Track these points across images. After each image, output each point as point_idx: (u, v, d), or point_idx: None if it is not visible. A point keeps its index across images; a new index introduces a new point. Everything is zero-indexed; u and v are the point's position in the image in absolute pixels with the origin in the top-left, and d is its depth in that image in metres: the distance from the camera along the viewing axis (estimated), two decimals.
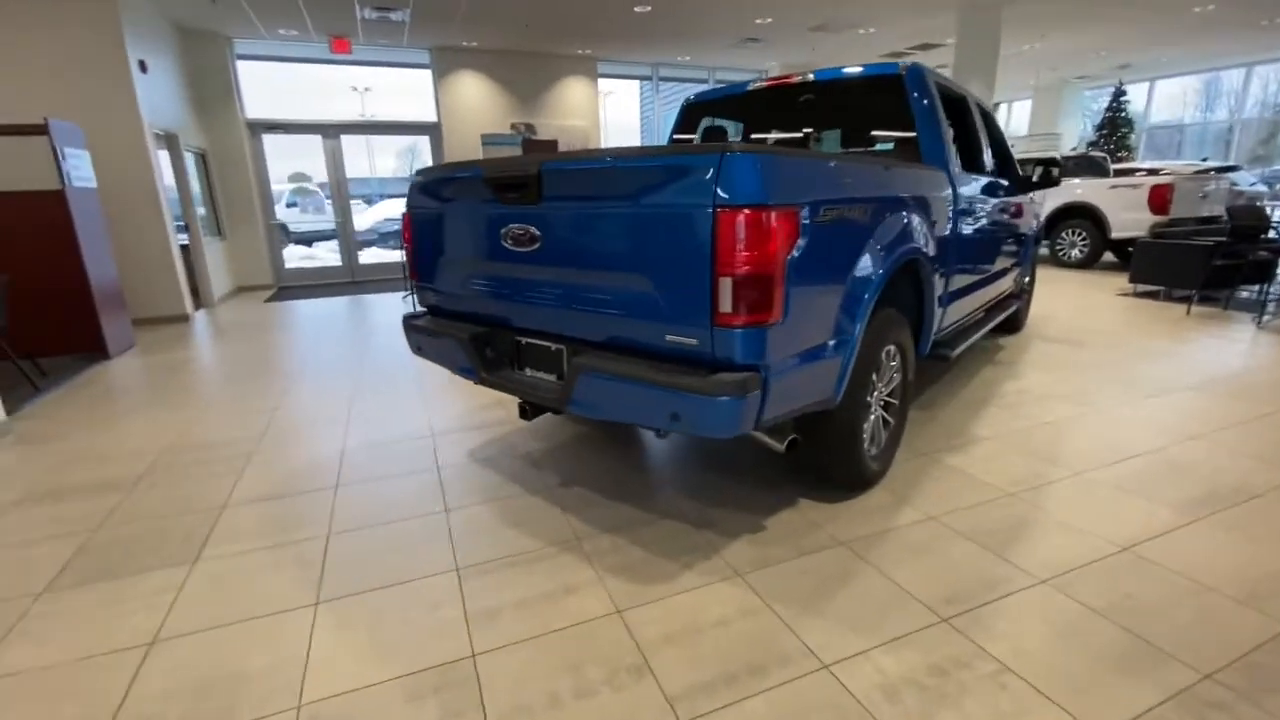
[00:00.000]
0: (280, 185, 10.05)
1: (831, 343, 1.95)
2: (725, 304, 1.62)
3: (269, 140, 8.77)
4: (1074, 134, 14.12)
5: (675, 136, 3.70)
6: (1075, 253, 8.81)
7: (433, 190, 2.42)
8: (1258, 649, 1.61)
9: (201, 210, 7.67)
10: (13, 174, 4.70)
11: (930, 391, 3.65)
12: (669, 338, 1.78)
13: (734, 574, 1.98)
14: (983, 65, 7.56)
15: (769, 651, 1.64)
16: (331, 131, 8.98)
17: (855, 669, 1.57)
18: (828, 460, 2.32)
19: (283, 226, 14.19)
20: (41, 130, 4.46)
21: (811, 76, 3.13)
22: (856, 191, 1.97)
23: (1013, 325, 4.91)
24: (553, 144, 9.38)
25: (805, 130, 3.28)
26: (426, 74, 9.36)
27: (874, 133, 3.05)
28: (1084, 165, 9.21)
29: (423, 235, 2.51)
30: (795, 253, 1.70)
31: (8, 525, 2.44)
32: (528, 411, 2.47)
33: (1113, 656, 1.59)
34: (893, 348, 2.44)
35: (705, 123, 3.68)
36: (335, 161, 9.12)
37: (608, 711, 1.47)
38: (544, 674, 1.59)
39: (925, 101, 2.82)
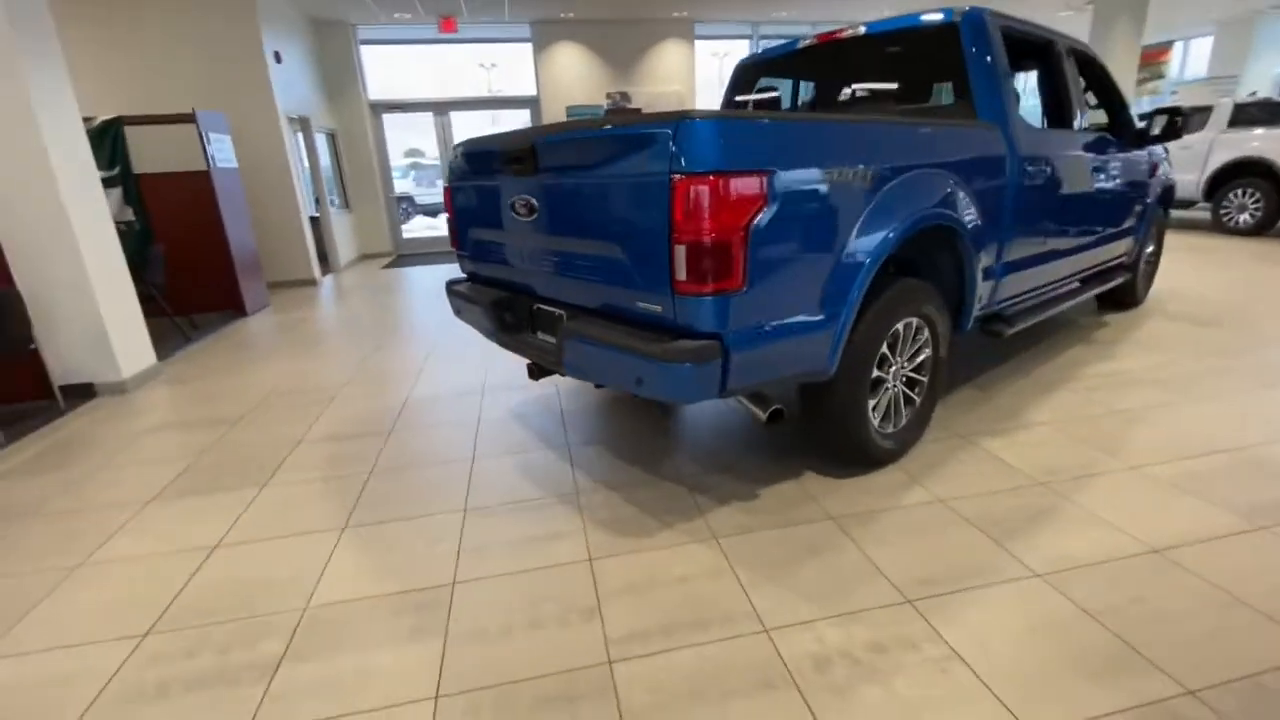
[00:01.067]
0: (399, 160, 10.94)
1: (817, 314, 1.90)
2: (681, 272, 1.65)
3: (390, 119, 9.57)
4: (1265, 76, 11.71)
5: (734, 99, 3.61)
6: (1245, 217, 7.46)
7: (464, 164, 2.60)
8: (1271, 670, 1.42)
9: (331, 185, 8.60)
10: (166, 156, 5.56)
11: (997, 370, 3.36)
12: (640, 305, 1.83)
13: (711, 537, 2.02)
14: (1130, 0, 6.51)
15: (715, 610, 1.69)
16: (442, 109, 9.61)
17: (794, 636, 1.58)
18: (828, 434, 2.27)
19: (409, 199, 15.45)
20: (190, 119, 5.24)
21: (863, 29, 2.93)
22: (846, 156, 1.86)
23: (1124, 299, 4.33)
24: (635, 112, 9.39)
25: (858, 87, 3.08)
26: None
27: (926, 87, 2.81)
28: (1267, 112, 7.70)
29: (458, 206, 2.71)
30: (762, 220, 1.68)
31: (141, 447, 3.03)
32: (534, 372, 2.62)
33: (1086, 660, 1.47)
34: (915, 321, 2.31)
35: (762, 83, 3.56)
36: (445, 136, 9.78)
37: (550, 643, 1.61)
38: (506, 606, 1.76)
39: (980, 51, 2.55)
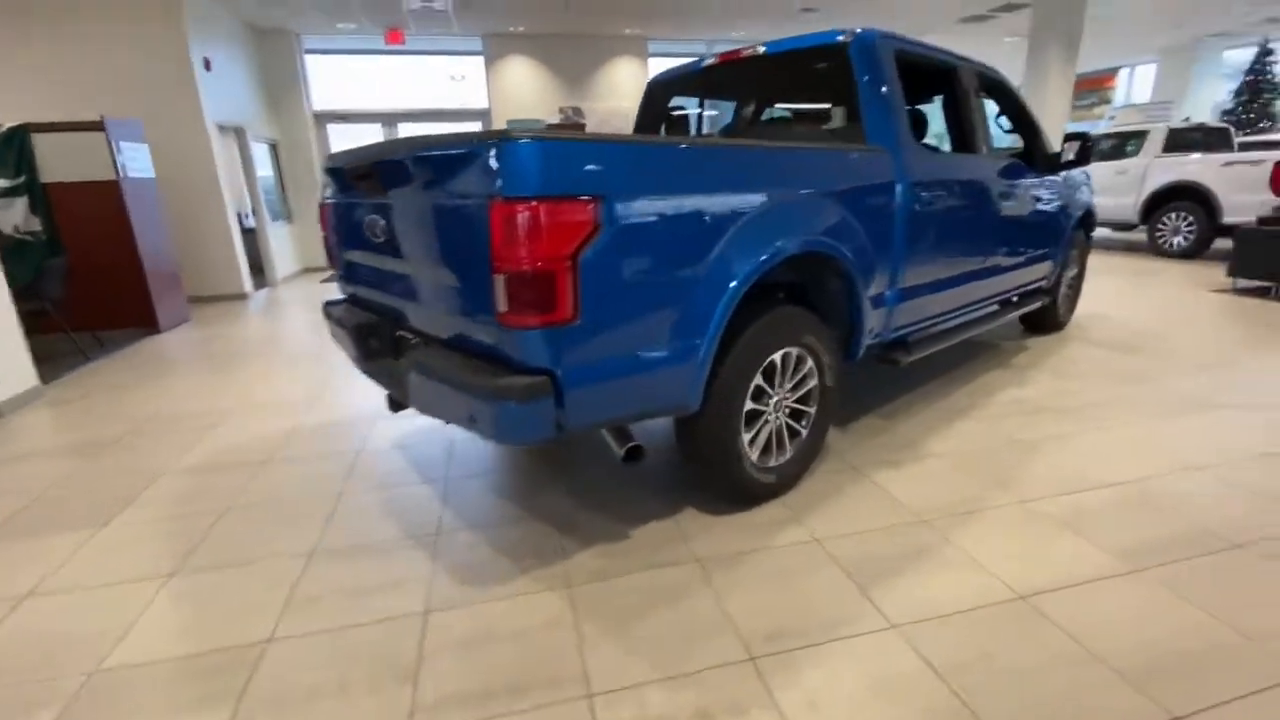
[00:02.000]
0: None
1: (671, 348, 1.78)
2: (502, 302, 1.52)
3: (338, 130, 9.35)
4: (1206, 102, 12.15)
5: (641, 119, 3.53)
6: (1179, 240, 7.64)
7: (330, 180, 2.45)
8: None
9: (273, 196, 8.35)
10: (78, 166, 5.29)
11: (906, 397, 3.30)
12: (478, 336, 1.70)
13: (565, 585, 1.88)
14: (1065, 26, 6.65)
15: (544, 672, 1.55)
16: (390, 120, 9.44)
17: (618, 702, 1.45)
18: (703, 470, 2.15)
19: None
20: (98, 126, 5.00)
21: (761, 49, 2.87)
22: (698, 181, 1.76)
23: (1046, 323, 4.33)
24: (579, 127, 9.33)
25: (756, 107, 3.02)
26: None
27: (817, 109, 2.76)
28: (1203, 137, 7.94)
29: (330, 224, 2.56)
30: (596, 249, 1.56)
31: None
32: (393, 405, 2.47)
33: None
34: (796, 351, 2.21)
35: (676, 102, 3.49)
36: None
37: (352, 712, 1.44)
38: (318, 667, 1.59)
39: (870, 74, 2.50)
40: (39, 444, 3.16)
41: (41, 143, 5.23)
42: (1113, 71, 14.27)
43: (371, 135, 9.47)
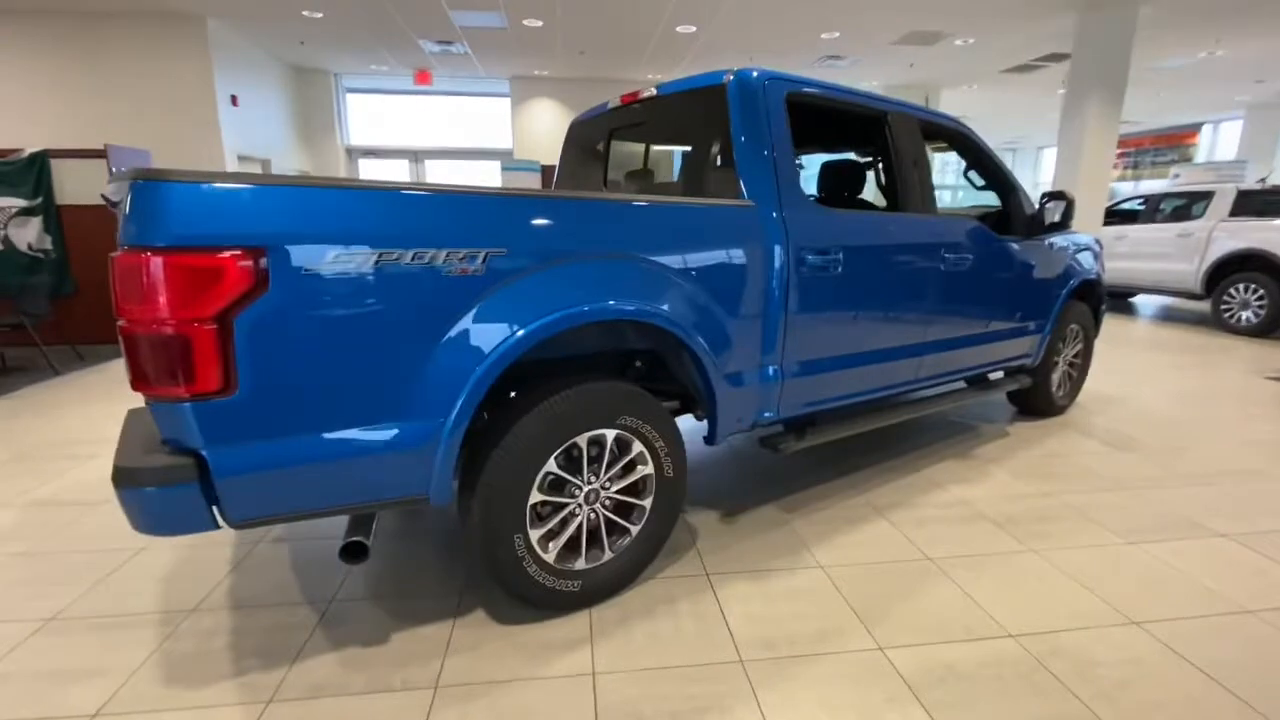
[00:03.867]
0: None
1: (389, 428, 1.49)
2: (132, 366, 1.28)
3: (368, 164, 9.74)
4: None
5: (563, 163, 3.31)
6: (1248, 315, 6.68)
7: None
8: None
9: None
10: (91, 190, 5.62)
11: (827, 485, 2.83)
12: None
13: (266, 698, 1.58)
14: (1109, 79, 6.05)
15: None
16: (418, 156, 9.75)
17: None
18: (487, 571, 1.81)
19: None
20: (100, 154, 5.28)
21: (654, 90, 2.61)
22: (424, 232, 1.47)
23: (1034, 406, 3.74)
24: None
25: (646, 153, 2.74)
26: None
27: (696, 157, 2.45)
28: (1277, 201, 7.01)
29: None
30: (261, 308, 1.31)
31: None
32: None
33: None
34: (615, 433, 1.87)
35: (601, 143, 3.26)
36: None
37: None
38: None
39: (748, 119, 2.18)
40: None
41: (60, 168, 5.60)
42: (1195, 128, 13.13)
43: (400, 170, 9.80)
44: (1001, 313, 3.12)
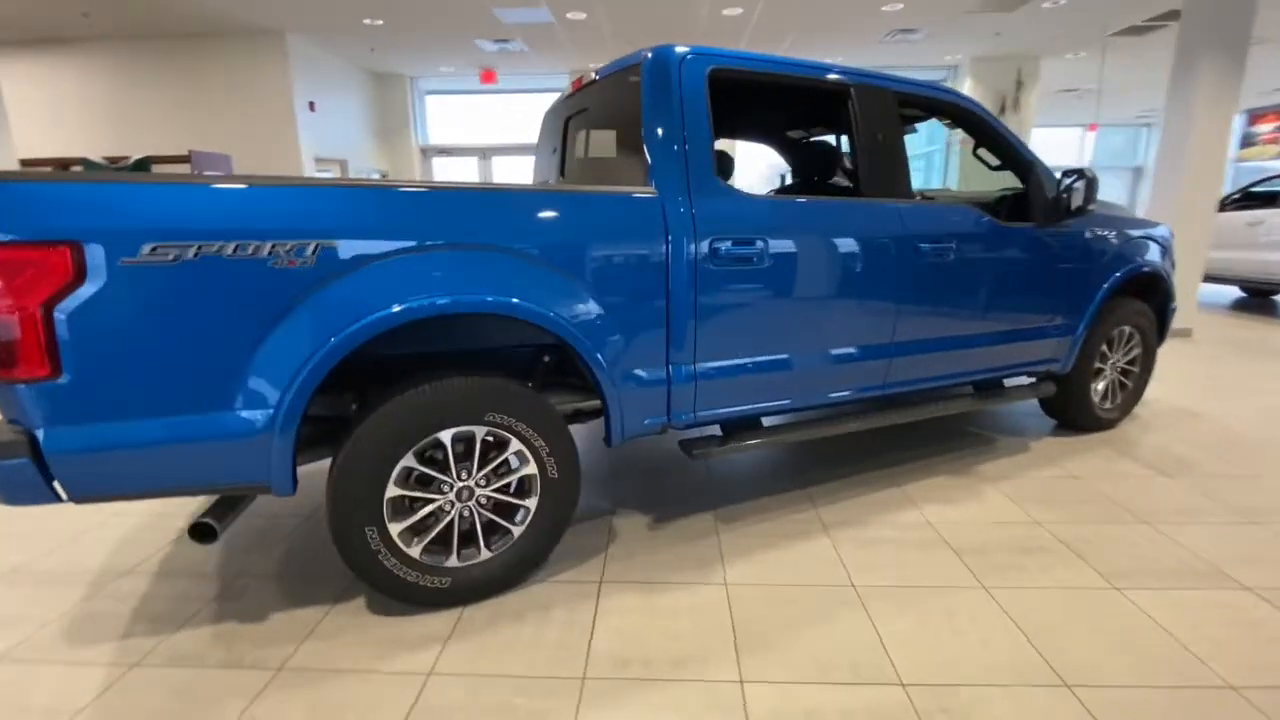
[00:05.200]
0: None
1: (218, 417, 1.53)
2: None
3: (440, 162, 10.26)
4: None
5: (539, 150, 3.28)
6: None
7: None
8: None
9: None
10: None
11: (779, 497, 2.61)
12: None
13: (131, 663, 1.69)
14: (1227, 38, 5.09)
15: None
16: (486, 153, 10.13)
17: None
18: (344, 562, 1.83)
19: None
20: (185, 159, 5.93)
21: (594, 74, 2.51)
22: (240, 223, 1.48)
23: (1072, 419, 3.25)
24: None
25: (585, 139, 2.63)
26: None
27: (615, 143, 2.31)
28: None
29: None
30: (81, 299, 1.38)
31: None
32: None
33: None
34: (485, 431, 1.82)
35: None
36: (486, 178, 10.29)
37: None
38: None
39: (656, 101, 2.05)
40: None
41: (156, 172, 6.37)
42: None
43: (469, 168, 10.24)
44: (1007, 310, 2.72)
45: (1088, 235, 2.88)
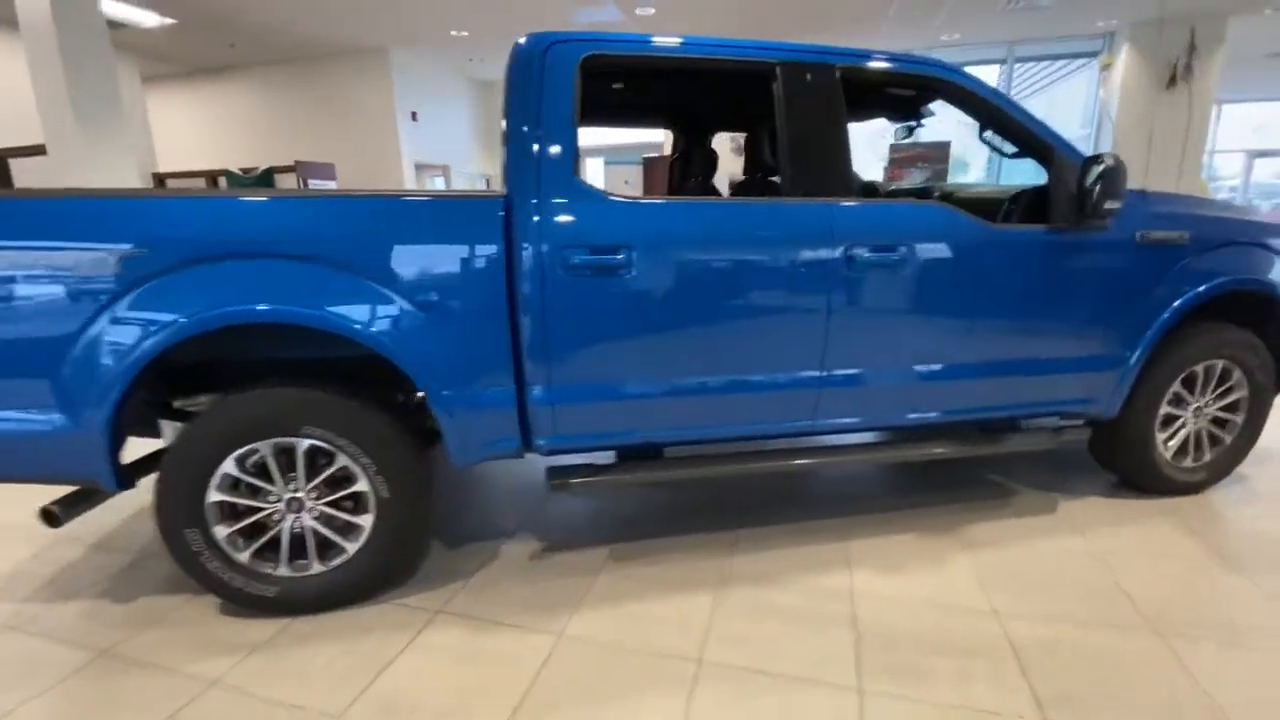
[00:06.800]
0: None
1: (41, 414, 1.64)
2: None
3: None
4: None
5: None
6: None
7: None
8: None
9: None
10: None
11: (689, 540, 2.30)
12: None
13: None
14: None
15: None
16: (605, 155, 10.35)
17: None
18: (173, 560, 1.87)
19: None
20: (293, 169, 6.69)
21: None
22: (35, 233, 1.56)
23: (1133, 477, 2.52)
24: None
25: None
26: None
27: None
28: None
29: None
30: None
31: None
32: None
33: None
34: (308, 443, 1.77)
35: None
36: (605, 182, 10.53)
37: None
38: None
39: (513, 96, 1.88)
40: None
41: (278, 179, 7.27)
42: None
43: (594, 168, 10.53)
44: (999, 334, 2.15)
45: (1140, 240, 2.19)
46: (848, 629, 1.79)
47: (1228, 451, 2.54)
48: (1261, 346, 2.43)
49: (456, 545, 2.28)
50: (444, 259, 1.77)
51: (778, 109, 1.99)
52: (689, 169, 3.29)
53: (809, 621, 1.83)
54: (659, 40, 1.95)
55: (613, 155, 10.06)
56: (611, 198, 1.88)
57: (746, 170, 3.27)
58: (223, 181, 7.16)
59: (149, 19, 6.13)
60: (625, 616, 1.87)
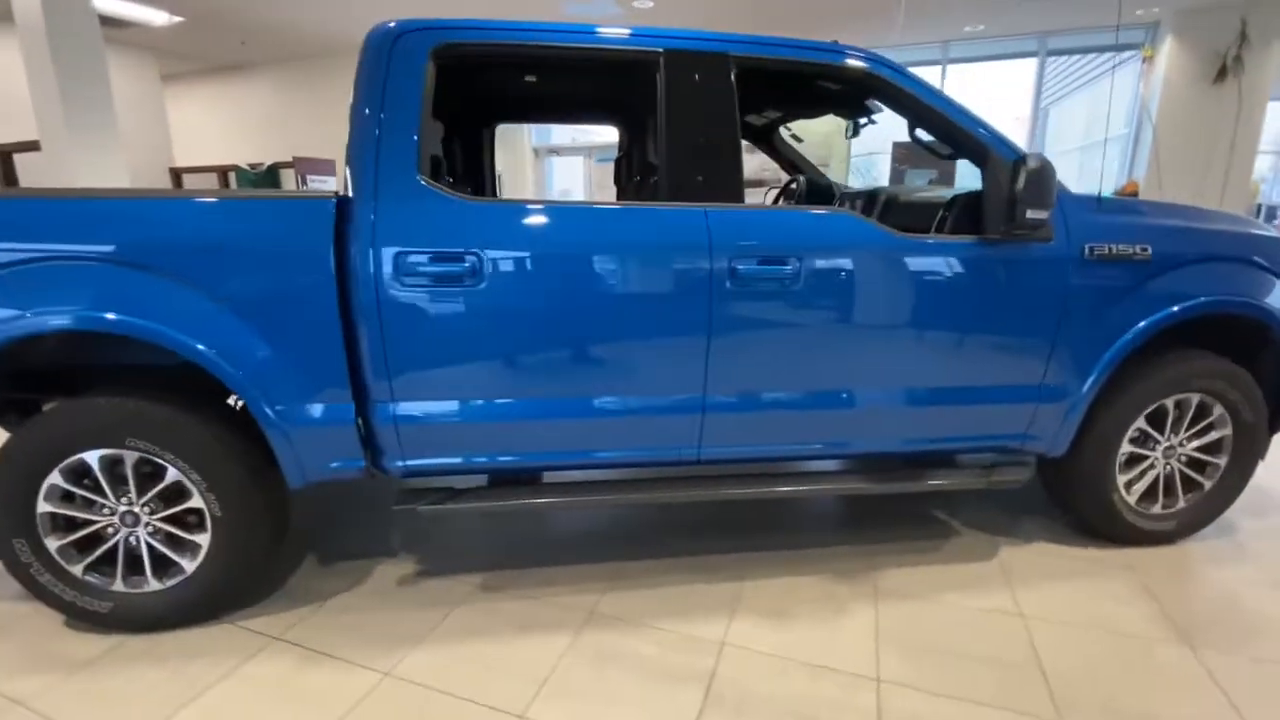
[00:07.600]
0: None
1: None
2: None
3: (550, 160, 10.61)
4: None
5: None
6: None
7: None
8: None
9: None
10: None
11: (571, 571, 2.12)
12: None
13: None
14: None
15: None
16: (590, 152, 10.20)
17: None
18: None
19: None
20: (290, 165, 6.77)
21: None
22: None
23: (1090, 524, 2.22)
24: None
25: None
26: None
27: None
28: None
29: None
30: None
31: None
32: None
33: None
34: (135, 457, 1.68)
35: None
36: (589, 174, 10.42)
37: None
38: None
39: (364, 89, 1.76)
40: None
41: (283, 176, 7.39)
42: None
43: (575, 166, 10.42)
44: (916, 360, 1.89)
45: (1088, 254, 1.90)
46: (697, 689, 1.59)
47: (1206, 498, 2.20)
48: (1246, 378, 2.09)
49: (329, 563, 2.17)
50: (265, 264, 1.64)
51: (659, 102, 1.79)
52: (632, 168, 3.10)
53: (658, 677, 1.64)
54: (523, 27, 1.78)
55: (603, 153, 9.89)
56: (460, 200, 1.72)
57: (632, 173, 3.02)
58: (232, 176, 7.34)
59: (158, 17, 6.31)
60: (460, 659, 1.72)
